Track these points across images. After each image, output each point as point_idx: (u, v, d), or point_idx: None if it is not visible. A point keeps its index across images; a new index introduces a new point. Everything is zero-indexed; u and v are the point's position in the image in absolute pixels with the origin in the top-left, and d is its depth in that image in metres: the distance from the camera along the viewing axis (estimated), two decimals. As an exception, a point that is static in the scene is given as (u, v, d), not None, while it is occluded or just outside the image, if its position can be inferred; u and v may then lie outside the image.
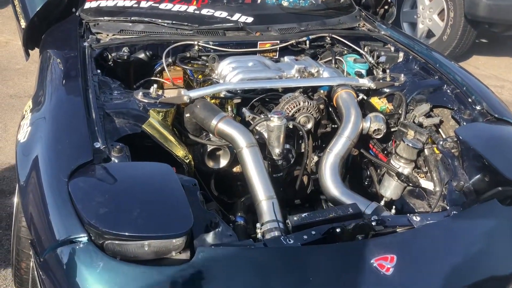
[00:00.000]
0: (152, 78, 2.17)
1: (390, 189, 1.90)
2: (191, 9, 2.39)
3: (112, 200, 1.32)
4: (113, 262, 1.24)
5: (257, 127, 1.88)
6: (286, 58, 2.23)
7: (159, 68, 2.19)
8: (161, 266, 1.28)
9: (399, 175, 1.85)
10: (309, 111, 1.92)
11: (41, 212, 1.36)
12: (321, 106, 1.97)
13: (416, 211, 1.85)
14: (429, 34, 4.61)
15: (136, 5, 2.37)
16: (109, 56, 2.11)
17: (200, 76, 2.18)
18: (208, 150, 1.92)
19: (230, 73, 2.03)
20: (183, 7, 2.38)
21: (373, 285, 1.35)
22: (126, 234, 1.23)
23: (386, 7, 2.90)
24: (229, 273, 1.29)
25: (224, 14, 2.39)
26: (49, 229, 1.32)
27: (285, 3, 2.75)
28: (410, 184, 1.83)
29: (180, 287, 1.23)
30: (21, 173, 1.51)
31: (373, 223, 1.48)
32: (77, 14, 2.37)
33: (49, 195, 1.36)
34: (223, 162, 1.97)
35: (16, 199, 1.67)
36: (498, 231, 1.57)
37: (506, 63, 4.78)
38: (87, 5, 2.37)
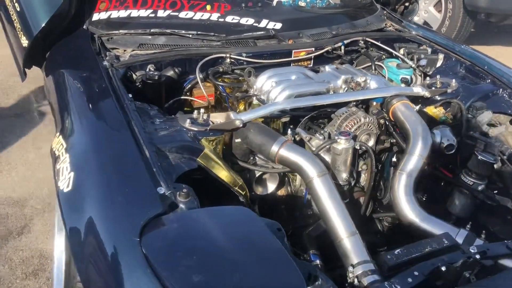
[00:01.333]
0: (182, 97, 1.94)
1: (461, 206, 1.75)
2: (215, 16, 2.15)
3: (203, 262, 1.10)
4: None
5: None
6: (327, 68, 2.03)
7: (189, 85, 1.95)
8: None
9: (472, 191, 1.70)
10: (370, 127, 1.75)
11: (111, 285, 1.12)
12: (381, 121, 1.80)
13: (491, 229, 1.72)
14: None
15: (153, 15, 2.11)
16: (134, 76, 1.86)
17: (237, 94, 1.96)
18: (257, 175, 1.73)
19: (274, 89, 1.82)
20: (205, 15, 2.14)
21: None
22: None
23: (406, 4, 2.75)
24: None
25: (250, 21, 2.17)
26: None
27: (302, 3, 2.57)
28: (488, 202, 1.69)
29: None
30: (71, 232, 1.26)
31: (477, 256, 1.32)
32: (85, 27, 2.10)
33: (121, 260, 1.12)
34: (271, 187, 1.79)
35: (57, 256, 1.41)
36: None
37: (502, 52, 4.75)
38: (95, 17, 2.09)
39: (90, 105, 1.61)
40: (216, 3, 2.19)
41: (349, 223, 1.45)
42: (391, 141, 1.86)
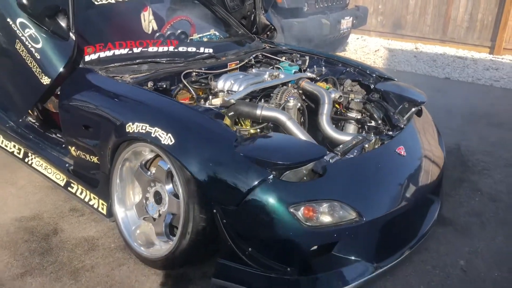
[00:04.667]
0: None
1: (351, 129, 3.06)
2: (171, 48, 3.14)
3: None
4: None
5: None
6: (254, 70, 3.20)
7: (175, 92, 2.87)
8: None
9: (356, 121, 3.04)
10: (296, 95, 2.96)
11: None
12: (300, 92, 3.04)
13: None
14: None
15: (130, 52, 2.99)
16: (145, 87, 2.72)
17: (200, 93, 2.96)
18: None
19: (235, 84, 2.90)
20: (165, 48, 3.11)
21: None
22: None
23: (268, 32, 4.10)
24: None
25: (194, 49, 3.22)
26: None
27: (205, 39, 3.70)
28: (368, 125, 3.02)
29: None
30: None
31: (377, 136, 2.64)
32: (81, 66, 2.83)
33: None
34: None
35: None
36: (424, 130, 2.94)
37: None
38: (87, 58, 2.86)
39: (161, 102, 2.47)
40: (168, 40, 3.18)
41: (314, 143, 2.61)
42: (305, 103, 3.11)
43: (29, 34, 2.67)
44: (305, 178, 2.21)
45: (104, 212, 2.71)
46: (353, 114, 3.05)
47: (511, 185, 3.46)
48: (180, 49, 3.18)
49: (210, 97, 2.85)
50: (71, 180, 2.96)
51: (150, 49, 3.07)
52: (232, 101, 2.65)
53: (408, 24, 8.85)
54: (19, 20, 2.67)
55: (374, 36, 9.11)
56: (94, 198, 2.80)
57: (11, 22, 2.70)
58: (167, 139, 2.22)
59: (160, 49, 3.10)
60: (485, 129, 4.61)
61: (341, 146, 2.58)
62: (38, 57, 2.68)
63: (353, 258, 2.24)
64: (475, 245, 2.73)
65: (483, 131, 4.54)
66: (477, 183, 3.47)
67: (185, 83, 2.85)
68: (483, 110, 5.19)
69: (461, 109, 5.16)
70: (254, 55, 3.46)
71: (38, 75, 2.72)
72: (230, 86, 2.91)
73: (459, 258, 2.61)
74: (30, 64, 2.72)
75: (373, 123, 3.04)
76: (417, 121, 3.02)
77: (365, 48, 8.03)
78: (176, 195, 2.32)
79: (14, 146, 3.39)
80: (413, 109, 3.01)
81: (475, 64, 7.14)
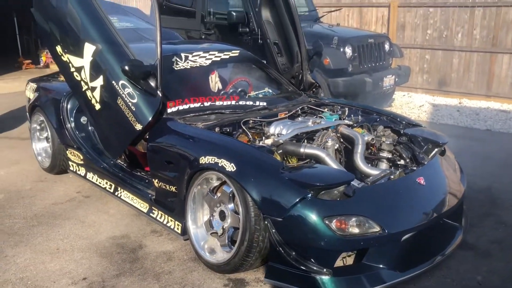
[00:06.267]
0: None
1: (383, 167, 3.62)
2: (233, 102, 3.91)
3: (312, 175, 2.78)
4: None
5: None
6: (300, 118, 3.89)
7: (236, 135, 3.58)
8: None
9: (387, 160, 3.60)
10: (334, 137, 3.59)
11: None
12: (339, 135, 3.67)
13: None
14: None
15: (202, 105, 3.78)
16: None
17: (256, 137, 3.65)
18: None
19: (284, 129, 3.58)
20: (228, 102, 3.89)
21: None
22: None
23: (314, 89, 4.82)
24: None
25: (251, 103, 3.98)
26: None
27: (260, 95, 4.46)
28: (398, 163, 3.57)
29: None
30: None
31: (405, 170, 3.20)
32: (164, 116, 3.64)
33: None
34: None
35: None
36: (445, 166, 3.45)
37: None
38: (169, 110, 3.67)
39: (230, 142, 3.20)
40: (231, 96, 3.97)
41: (345, 171, 3.20)
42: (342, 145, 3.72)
43: (127, 92, 3.52)
44: (338, 199, 2.79)
45: (179, 231, 3.38)
46: (384, 154, 3.63)
47: (536, 220, 3.81)
48: (240, 103, 3.94)
49: (263, 138, 3.54)
50: (152, 208, 3.68)
51: (217, 103, 3.86)
52: (281, 141, 3.33)
53: (452, 81, 9.32)
54: (121, 81, 3.54)
55: (421, 93, 9.62)
56: (171, 220, 3.49)
57: (114, 83, 3.58)
58: (230, 167, 2.90)
59: (225, 103, 3.88)
60: (519, 173, 4.96)
61: (371, 177, 3.16)
62: (134, 109, 3.52)
63: (380, 266, 2.76)
64: (493, 265, 3.13)
65: (517, 175, 4.89)
66: (502, 217, 3.86)
67: (244, 128, 3.57)
68: (520, 157, 5.53)
69: (497, 156, 5.53)
70: (300, 107, 4.16)
71: (133, 123, 3.54)
72: (280, 131, 3.59)
73: (476, 275, 3.02)
74: (127, 115, 3.55)
75: (402, 162, 3.60)
76: (440, 159, 3.54)
77: (410, 104, 8.55)
78: (236, 212, 2.97)
79: (106, 183, 4.21)
80: (436, 149, 3.55)
81: (518, 117, 7.46)
